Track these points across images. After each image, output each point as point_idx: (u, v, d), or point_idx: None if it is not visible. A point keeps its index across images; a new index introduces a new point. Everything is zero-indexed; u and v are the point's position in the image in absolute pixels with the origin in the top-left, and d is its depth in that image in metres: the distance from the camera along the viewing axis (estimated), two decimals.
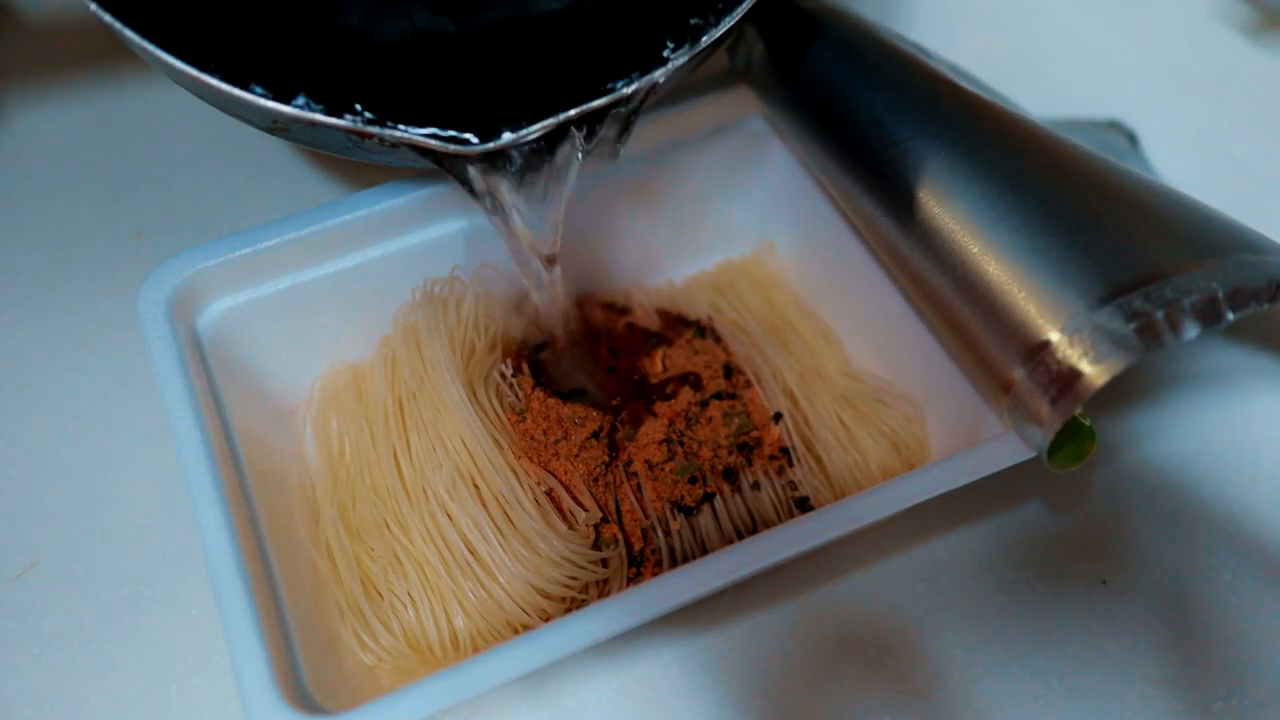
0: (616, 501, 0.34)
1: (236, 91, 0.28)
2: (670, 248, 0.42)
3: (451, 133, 0.29)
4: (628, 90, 0.30)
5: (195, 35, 0.28)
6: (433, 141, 0.29)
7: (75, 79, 0.48)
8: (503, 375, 0.34)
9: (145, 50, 0.28)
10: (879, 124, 0.33)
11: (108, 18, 0.27)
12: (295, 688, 0.27)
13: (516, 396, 0.34)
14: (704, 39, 0.31)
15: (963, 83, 0.34)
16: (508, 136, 0.29)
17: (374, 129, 0.29)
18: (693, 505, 0.33)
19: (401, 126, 0.29)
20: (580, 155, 0.31)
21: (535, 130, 0.29)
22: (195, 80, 0.28)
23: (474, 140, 0.29)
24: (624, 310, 0.39)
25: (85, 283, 0.42)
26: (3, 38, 0.49)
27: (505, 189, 0.30)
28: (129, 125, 0.47)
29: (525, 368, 0.35)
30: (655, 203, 0.40)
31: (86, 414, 0.38)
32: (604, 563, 0.32)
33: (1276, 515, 0.36)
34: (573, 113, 0.30)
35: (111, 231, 0.43)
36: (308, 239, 0.34)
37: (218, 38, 0.29)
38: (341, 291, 0.36)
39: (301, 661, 0.28)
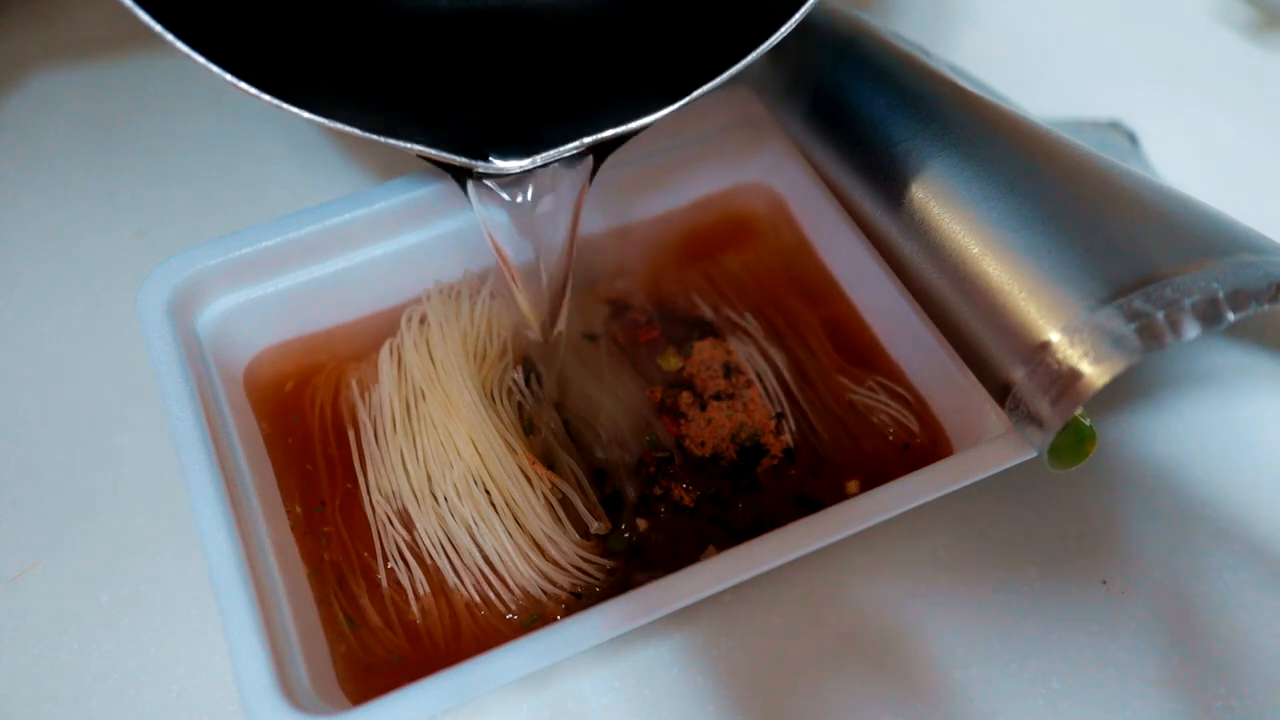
0: (621, 500, 0.34)
1: (266, 97, 0.27)
2: (669, 245, 0.41)
3: (484, 162, 0.28)
4: (647, 120, 0.29)
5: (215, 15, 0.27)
6: (469, 162, 0.28)
7: (75, 79, 0.48)
8: (515, 382, 0.34)
9: (185, 55, 0.26)
10: (879, 124, 0.33)
11: (157, 26, 0.26)
12: (295, 688, 0.27)
13: (525, 400, 0.34)
14: (732, 69, 0.29)
15: (963, 83, 0.34)
16: (531, 160, 0.28)
17: (406, 145, 0.28)
18: (693, 505, 0.33)
19: (453, 155, 0.28)
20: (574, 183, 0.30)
21: (560, 153, 0.29)
22: (230, 85, 0.27)
23: (501, 164, 0.28)
24: (624, 308, 0.39)
25: (85, 283, 0.41)
26: (5, 35, 0.49)
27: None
28: (129, 124, 0.47)
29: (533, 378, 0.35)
30: (654, 200, 0.40)
31: (86, 414, 0.38)
32: (611, 570, 0.32)
33: (1276, 515, 0.36)
34: (588, 140, 0.29)
35: (111, 231, 0.43)
36: (308, 238, 0.34)
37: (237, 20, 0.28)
38: (342, 291, 0.36)
39: (301, 662, 0.28)
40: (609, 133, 0.29)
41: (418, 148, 0.28)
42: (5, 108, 0.47)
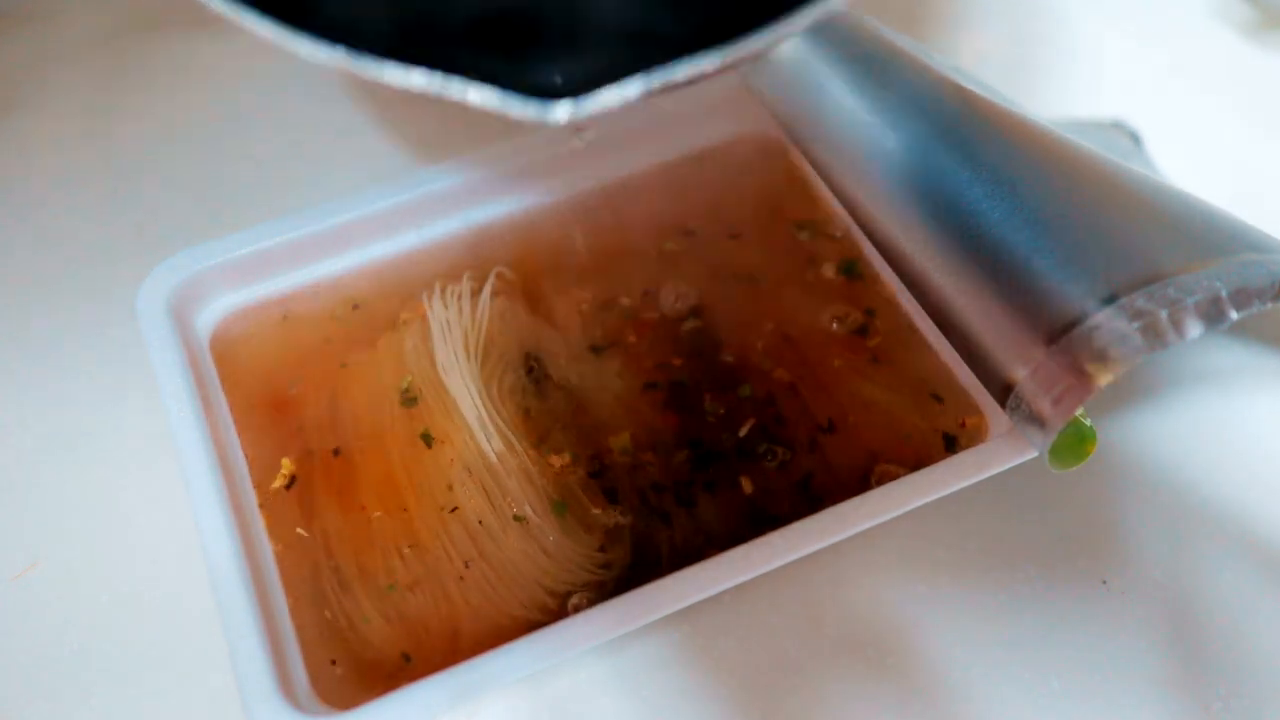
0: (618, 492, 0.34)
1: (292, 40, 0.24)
2: (670, 242, 0.41)
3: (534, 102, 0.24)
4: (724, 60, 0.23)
5: None
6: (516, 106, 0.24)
7: (75, 78, 0.48)
8: (516, 381, 0.34)
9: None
10: (881, 125, 0.33)
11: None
12: (295, 688, 0.27)
13: (526, 399, 0.34)
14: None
15: (965, 83, 0.34)
16: (594, 104, 0.24)
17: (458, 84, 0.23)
18: (694, 502, 0.33)
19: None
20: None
21: (616, 96, 0.24)
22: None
23: (555, 109, 0.24)
24: (631, 312, 0.39)
25: (85, 282, 0.41)
26: (5, 35, 0.49)
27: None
28: (129, 123, 0.47)
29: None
30: (654, 199, 0.40)
31: (86, 414, 0.38)
32: (611, 568, 0.32)
33: (1276, 515, 0.36)
34: (656, 83, 0.24)
35: (111, 231, 0.43)
36: (308, 238, 0.34)
37: None
38: (342, 291, 0.36)
39: (301, 661, 0.28)
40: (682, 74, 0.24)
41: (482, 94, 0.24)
42: (5, 107, 0.47)
